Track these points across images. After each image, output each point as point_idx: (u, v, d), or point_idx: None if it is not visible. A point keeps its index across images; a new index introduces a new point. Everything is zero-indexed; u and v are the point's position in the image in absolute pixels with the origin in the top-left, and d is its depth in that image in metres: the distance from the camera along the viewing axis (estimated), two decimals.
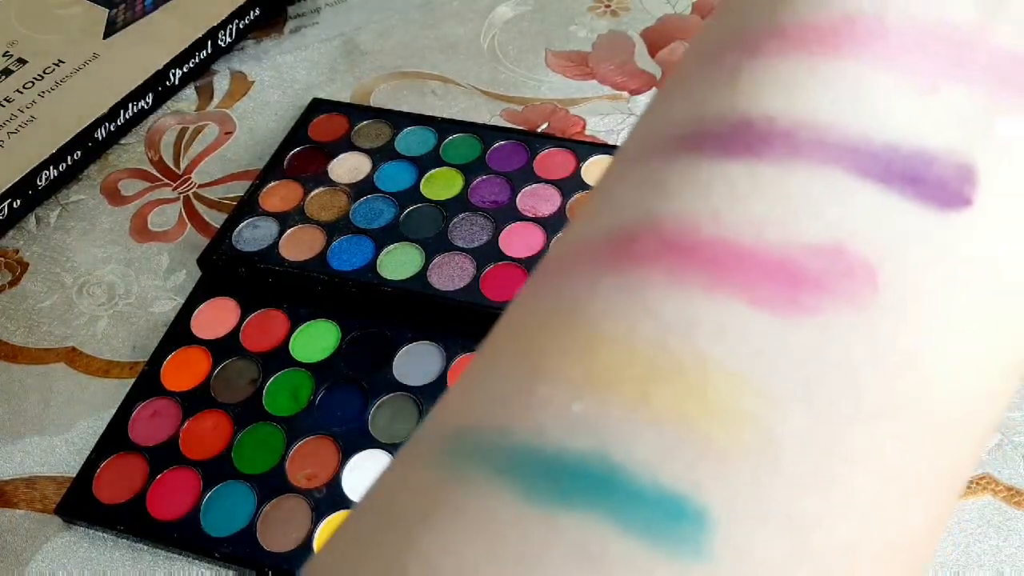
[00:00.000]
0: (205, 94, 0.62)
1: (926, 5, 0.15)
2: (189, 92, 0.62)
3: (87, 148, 0.57)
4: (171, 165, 0.57)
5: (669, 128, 0.15)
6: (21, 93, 0.57)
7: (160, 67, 0.59)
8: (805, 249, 0.13)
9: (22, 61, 0.59)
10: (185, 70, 0.61)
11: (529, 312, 0.15)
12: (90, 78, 0.59)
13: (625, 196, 0.15)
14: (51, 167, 0.55)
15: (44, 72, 0.59)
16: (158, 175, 0.57)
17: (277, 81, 0.62)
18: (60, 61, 0.59)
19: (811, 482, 0.12)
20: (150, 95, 0.59)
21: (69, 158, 0.56)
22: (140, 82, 0.58)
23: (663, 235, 0.14)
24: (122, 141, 0.59)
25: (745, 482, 0.12)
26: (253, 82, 0.62)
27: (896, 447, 0.13)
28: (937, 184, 0.14)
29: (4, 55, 0.59)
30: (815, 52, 0.15)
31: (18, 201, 0.54)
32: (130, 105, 0.58)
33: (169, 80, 0.60)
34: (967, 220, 0.13)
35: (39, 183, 0.54)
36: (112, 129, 0.58)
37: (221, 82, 0.62)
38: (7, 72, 0.58)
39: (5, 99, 0.57)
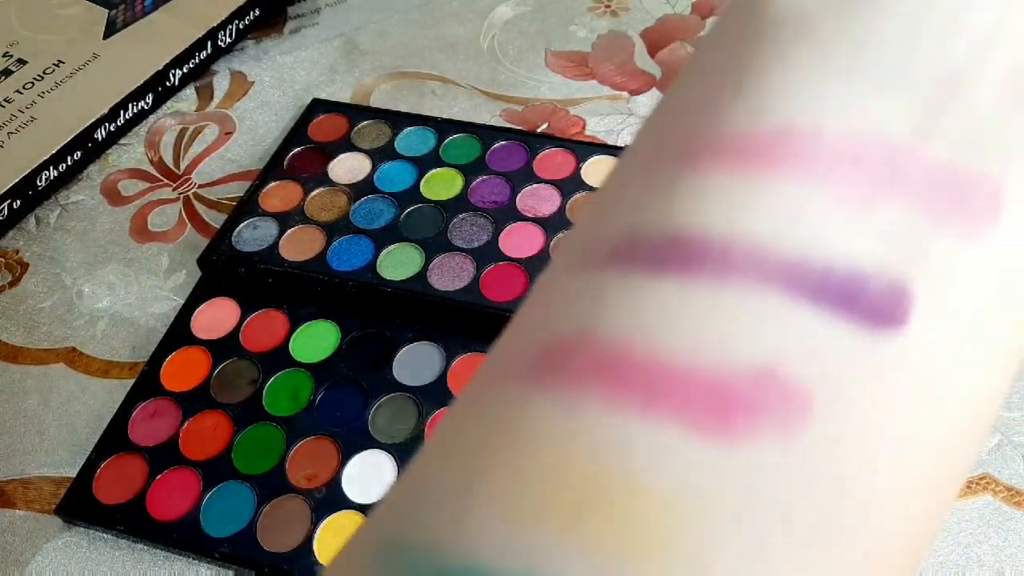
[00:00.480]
0: (205, 94, 0.62)
1: (861, 120, 0.14)
2: (189, 92, 0.62)
3: (87, 148, 0.57)
4: (171, 165, 0.57)
5: (606, 238, 0.15)
6: (21, 93, 0.57)
7: (160, 67, 0.59)
8: (739, 372, 0.13)
9: (22, 61, 0.59)
10: (185, 70, 0.61)
11: (467, 425, 0.15)
12: (90, 78, 0.59)
13: (561, 307, 0.15)
14: (51, 167, 0.55)
15: (44, 72, 0.59)
16: (158, 175, 0.57)
17: (277, 81, 0.62)
18: (60, 62, 0.59)
19: None
20: (150, 95, 0.59)
21: (69, 158, 0.56)
22: (140, 82, 0.58)
23: (598, 354, 0.14)
24: (122, 142, 0.59)
25: None
26: (253, 82, 0.62)
27: (831, 573, 0.13)
28: (871, 304, 0.13)
29: (4, 56, 0.60)
30: (751, 167, 0.14)
31: (18, 202, 0.54)
32: (130, 105, 0.58)
33: (169, 80, 0.60)
34: (902, 341, 0.13)
35: (39, 183, 0.55)
36: (112, 129, 0.58)
37: (221, 82, 0.62)
38: (7, 72, 0.58)
39: (5, 100, 0.57)
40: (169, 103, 0.61)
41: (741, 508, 0.12)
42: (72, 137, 0.55)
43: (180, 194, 0.56)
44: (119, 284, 0.51)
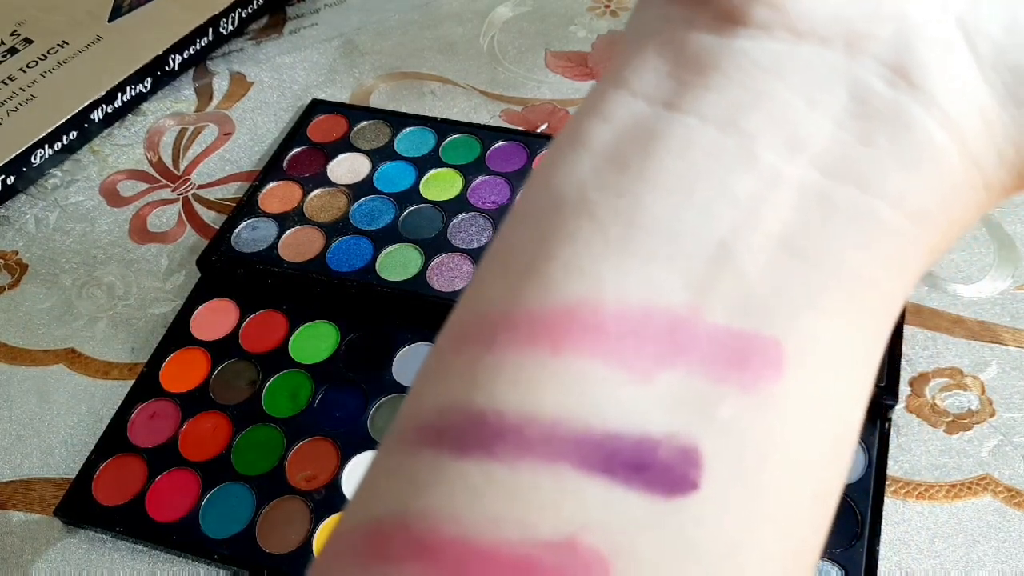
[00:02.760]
0: (204, 95, 0.62)
1: (639, 290, 0.15)
2: (189, 93, 0.62)
3: (83, 129, 0.58)
4: (170, 166, 0.57)
5: (417, 417, 0.16)
6: (24, 72, 0.58)
7: (159, 52, 0.60)
8: (540, 545, 0.14)
9: (28, 41, 0.60)
10: (185, 56, 0.62)
11: None
12: (92, 60, 0.59)
13: (380, 487, 0.16)
14: (46, 145, 0.56)
15: (48, 52, 0.60)
16: (157, 176, 0.57)
17: (276, 82, 0.62)
18: (64, 42, 0.60)
19: None
20: (148, 80, 0.60)
21: (65, 137, 0.57)
22: (138, 66, 0.59)
23: (410, 535, 0.14)
24: (122, 142, 0.59)
25: None
26: (252, 83, 0.62)
27: None
28: (662, 471, 0.14)
29: (12, 34, 0.61)
30: (541, 345, 0.15)
31: (12, 178, 0.55)
32: (128, 88, 0.59)
33: (168, 65, 0.61)
34: (695, 504, 0.14)
35: (33, 161, 0.56)
36: (109, 111, 0.59)
37: (220, 83, 0.62)
38: (13, 51, 0.59)
39: (9, 78, 0.58)
40: (169, 103, 0.61)
41: None
42: (68, 117, 0.56)
43: (179, 195, 0.56)
44: (118, 285, 0.51)
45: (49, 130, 0.56)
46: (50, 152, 0.56)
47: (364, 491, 0.16)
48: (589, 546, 0.13)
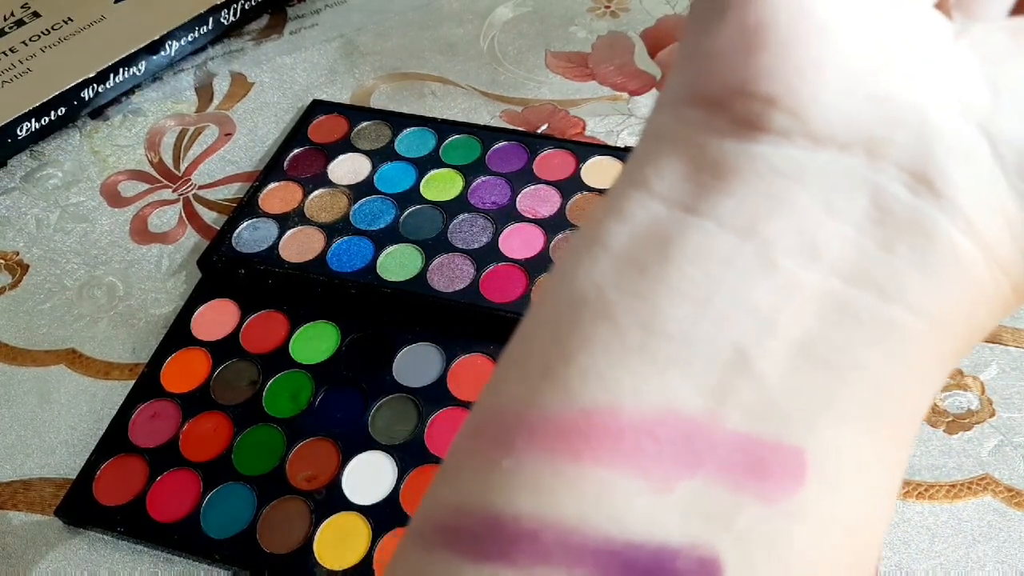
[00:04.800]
0: (205, 96, 0.62)
1: (657, 397, 0.15)
2: (189, 94, 0.62)
3: (72, 106, 0.58)
4: (171, 167, 0.57)
5: (435, 515, 0.16)
6: (26, 45, 0.59)
7: (156, 37, 0.61)
8: None
9: (36, 14, 0.61)
10: (183, 43, 0.62)
11: None
12: (92, 39, 0.60)
13: None
14: (32, 119, 0.57)
15: (52, 27, 0.61)
16: (158, 177, 0.57)
17: (277, 82, 0.62)
18: (69, 19, 0.61)
19: None
20: (142, 63, 0.61)
21: (53, 113, 0.58)
22: (133, 49, 0.60)
23: None
24: (122, 143, 0.59)
25: None
26: (253, 84, 0.62)
27: None
28: None
29: (22, 6, 0.62)
30: (558, 451, 0.15)
31: None
32: (121, 70, 0.60)
33: (164, 50, 0.62)
34: None
35: (19, 133, 0.57)
36: (100, 91, 0.59)
37: (221, 84, 0.62)
38: (20, 23, 0.60)
39: (10, 49, 0.59)
40: (169, 104, 0.61)
41: None
42: (56, 93, 0.57)
43: (180, 195, 0.56)
44: (119, 285, 0.51)
45: (36, 104, 0.57)
46: (36, 126, 0.57)
47: None
48: None
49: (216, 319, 0.47)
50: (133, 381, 0.45)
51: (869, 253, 0.16)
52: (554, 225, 0.49)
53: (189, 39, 0.63)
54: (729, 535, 0.14)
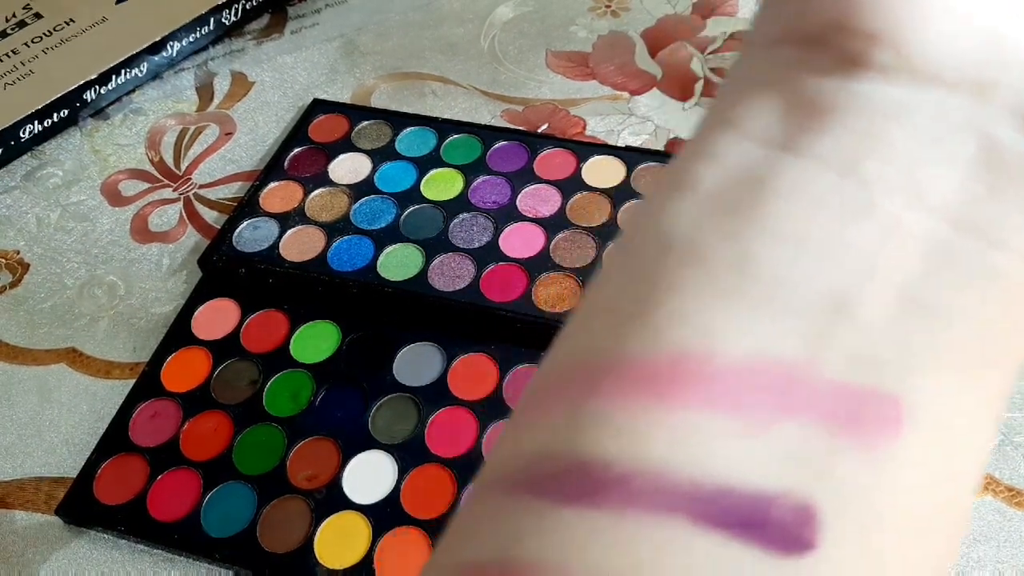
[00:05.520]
0: (205, 95, 0.62)
1: (752, 342, 0.14)
2: (190, 93, 0.62)
3: (74, 108, 0.59)
4: (172, 166, 0.57)
5: (516, 462, 0.15)
6: (28, 47, 0.60)
7: (158, 39, 0.61)
8: None
9: (38, 16, 0.61)
10: (184, 44, 0.62)
11: None
12: (93, 40, 0.60)
13: (478, 532, 0.15)
14: (35, 121, 0.57)
15: (54, 29, 0.61)
16: (159, 176, 0.57)
17: (278, 82, 0.62)
18: (71, 20, 0.61)
19: None
20: (144, 65, 0.61)
21: (55, 115, 0.58)
22: (135, 51, 0.60)
23: None
24: (123, 142, 0.59)
25: None
26: (254, 83, 0.62)
27: None
28: (777, 529, 0.13)
29: (24, 7, 0.62)
30: (648, 394, 0.14)
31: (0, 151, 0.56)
32: (123, 71, 0.60)
33: (166, 51, 0.62)
34: (810, 566, 0.13)
35: (22, 136, 0.57)
36: (102, 92, 0.60)
37: (222, 83, 0.62)
38: (22, 24, 0.60)
39: (12, 51, 0.59)
40: (170, 103, 0.61)
41: None
42: (58, 96, 0.57)
43: (181, 194, 0.56)
44: (120, 285, 0.51)
45: (39, 107, 0.57)
46: (39, 128, 0.57)
47: (460, 534, 0.16)
48: None
49: (216, 318, 0.47)
50: (134, 380, 0.45)
51: (974, 197, 0.15)
52: (555, 224, 0.49)
53: (190, 39, 0.63)
54: (824, 482, 0.14)
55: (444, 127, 0.55)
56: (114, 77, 0.60)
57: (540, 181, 0.51)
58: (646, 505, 0.14)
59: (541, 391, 0.16)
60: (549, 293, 0.46)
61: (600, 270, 0.17)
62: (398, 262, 0.48)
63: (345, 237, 0.49)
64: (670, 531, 0.13)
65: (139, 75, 0.61)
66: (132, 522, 0.40)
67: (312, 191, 0.52)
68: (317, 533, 0.39)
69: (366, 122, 0.56)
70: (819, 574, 0.13)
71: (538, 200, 0.50)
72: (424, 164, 0.53)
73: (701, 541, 0.13)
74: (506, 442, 0.16)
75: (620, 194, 0.50)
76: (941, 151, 0.15)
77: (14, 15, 0.61)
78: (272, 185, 0.53)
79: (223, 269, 0.49)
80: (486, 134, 0.54)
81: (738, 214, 0.15)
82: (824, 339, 0.14)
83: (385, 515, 0.39)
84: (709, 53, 0.60)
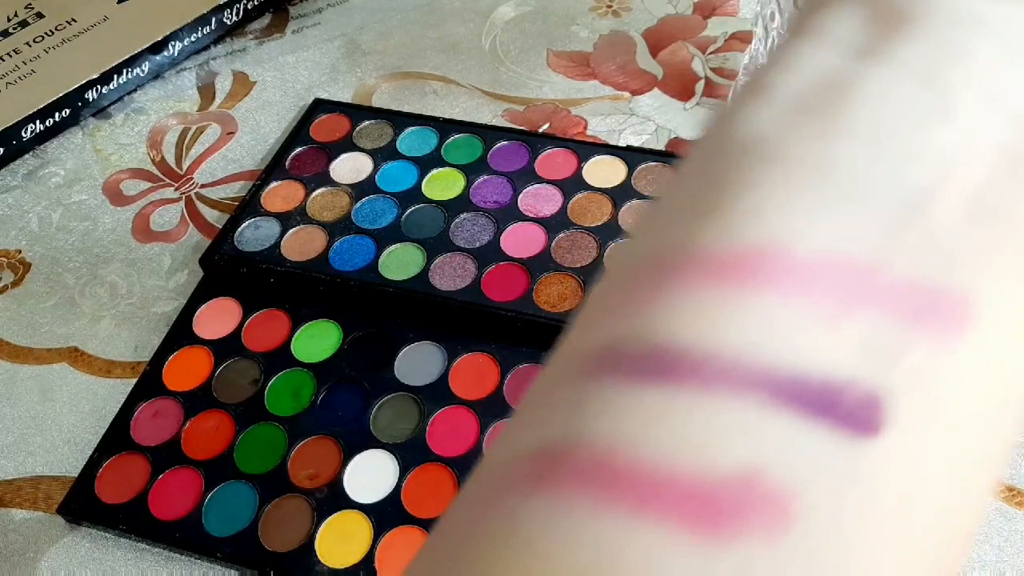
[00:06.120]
0: (207, 95, 0.62)
1: (830, 238, 0.15)
2: (192, 93, 0.62)
3: (76, 107, 0.59)
4: (173, 165, 0.57)
5: (589, 347, 0.16)
6: (29, 46, 0.60)
7: (159, 38, 0.61)
8: (720, 477, 0.13)
9: (40, 15, 0.61)
10: (185, 43, 0.63)
11: (460, 530, 0.15)
12: (95, 40, 0.60)
13: (548, 415, 0.15)
14: (36, 121, 0.57)
15: (56, 28, 0.61)
16: (160, 175, 0.57)
17: (279, 81, 0.62)
18: (73, 20, 0.61)
19: None
20: (146, 64, 0.61)
21: (57, 115, 0.58)
22: (137, 50, 0.60)
23: (583, 460, 0.14)
24: (124, 141, 0.59)
25: None
26: (255, 82, 0.62)
27: None
28: (847, 413, 0.14)
29: (26, 7, 0.62)
30: (726, 282, 0.15)
31: (1, 150, 0.56)
32: (124, 71, 0.60)
33: (168, 51, 0.62)
34: (878, 449, 0.14)
35: (23, 135, 0.57)
36: (104, 91, 0.60)
37: (223, 83, 0.62)
38: (24, 24, 0.60)
39: (14, 50, 0.59)
40: (172, 103, 0.61)
41: None
42: (60, 95, 0.57)
43: (182, 194, 0.56)
44: (121, 284, 0.51)
45: (41, 106, 0.57)
46: (41, 128, 0.57)
47: (527, 419, 0.16)
48: (769, 481, 0.13)
49: (218, 317, 0.47)
50: (135, 379, 0.46)
51: None
52: (556, 224, 0.49)
53: (192, 39, 0.63)
54: (894, 373, 0.14)
55: (445, 127, 0.55)
56: (116, 76, 0.60)
57: (541, 181, 0.51)
58: (722, 385, 0.14)
59: (616, 283, 0.17)
60: (550, 293, 0.46)
61: (675, 174, 0.18)
62: (399, 262, 0.48)
63: (346, 237, 0.49)
64: (745, 410, 0.14)
65: (141, 75, 0.61)
66: (133, 521, 0.40)
67: (313, 191, 0.52)
68: (318, 532, 0.39)
69: (367, 122, 0.56)
70: (885, 456, 0.14)
71: (539, 200, 0.50)
72: (425, 164, 0.53)
73: (774, 420, 0.14)
74: (578, 331, 0.17)
75: (621, 194, 0.50)
76: (1020, 60, 0.16)
77: (16, 14, 0.61)
78: (273, 185, 0.53)
79: (225, 268, 0.49)
80: (487, 134, 0.54)
81: (818, 117, 0.16)
82: (898, 237, 0.15)
83: (386, 514, 0.39)
84: (710, 53, 0.60)
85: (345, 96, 0.60)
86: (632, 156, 0.52)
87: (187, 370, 0.45)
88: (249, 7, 0.65)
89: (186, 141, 0.59)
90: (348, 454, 0.42)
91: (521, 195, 0.50)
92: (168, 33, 0.61)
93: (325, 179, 0.53)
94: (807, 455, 0.14)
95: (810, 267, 0.15)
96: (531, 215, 0.50)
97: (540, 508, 0.14)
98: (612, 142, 0.55)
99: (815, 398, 0.14)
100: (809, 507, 0.13)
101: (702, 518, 0.13)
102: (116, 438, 0.43)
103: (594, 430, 0.14)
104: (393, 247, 0.48)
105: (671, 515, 0.13)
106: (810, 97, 0.16)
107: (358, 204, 0.51)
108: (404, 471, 0.41)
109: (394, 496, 0.40)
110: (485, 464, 0.16)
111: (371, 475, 0.41)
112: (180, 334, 0.47)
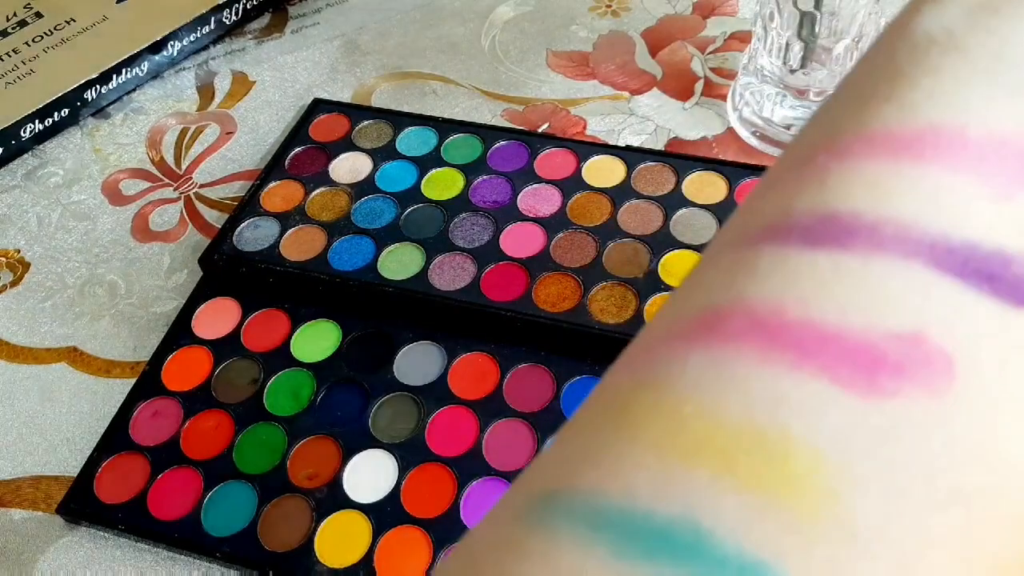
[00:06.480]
0: (206, 94, 0.62)
1: (1004, 120, 0.15)
2: (191, 92, 0.62)
3: (75, 107, 0.59)
4: (172, 165, 0.57)
5: (760, 219, 0.16)
6: (28, 46, 0.60)
7: (158, 38, 0.61)
8: (886, 335, 0.14)
9: (39, 15, 0.61)
10: (185, 43, 0.62)
11: (622, 383, 0.16)
12: (94, 40, 0.60)
13: (716, 279, 0.16)
14: (36, 120, 0.57)
15: (54, 28, 0.61)
16: (159, 175, 0.57)
17: (278, 81, 0.62)
18: (72, 19, 0.61)
19: (886, 563, 0.13)
20: (145, 64, 0.61)
21: (56, 114, 0.58)
22: (136, 50, 0.60)
23: (752, 316, 0.15)
24: (123, 141, 0.59)
25: (825, 558, 0.13)
26: (254, 82, 0.62)
27: (972, 534, 0.13)
28: (1013, 283, 0.14)
29: (25, 7, 0.62)
30: (901, 157, 0.15)
31: (0, 150, 0.57)
32: (124, 71, 0.60)
33: (167, 50, 0.62)
34: None
35: (23, 135, 0.57)
36: (103, 91, 0.60)
37: (222, 82, 0.62)
38: (23, 23, 0.60)
39: (13, 50, 0.59)
40: (171, 103, 0.61)
41: (887, 461, 0.13)
42: (59, 95, 0.57)
43: (181, 194, 0.56)
44: (120, 284, 0.51)
45: (40, 106, 0.57)
46: (40, 127, 0.57)
47: (693, 286, 0.16)
48: (934, 342, 0.14)
49: (217, 317, 0.47)
50: (134, 379, 0.46)
51: None
52: (555, 224, 0.49)
53: (191, 39, 0.63)
54: None
55: (445, 127, 0.55)
56: (115, 76, 0.60)
57: (540, 181, 0.51)
58: (893, 250, 0.14)
59: (784, 162, 0.17)
60: (549, 292, 0.46)
61: (854, 68, 0.18)
62: (398, 261, 0.48)
63: (345, 236, 0.49)
64: (914, 274, 0.14)
65: (140, 74, 0.61)
66: (133, 521, 0.40)
67: (313, 190, 0.52)
68: (317, 532, 0.39)
69: (367, 121, 0.56)
70: None
71: (539, 200, 0.50)
72: (424, 163, 0.53)
73: (942, 286, 0.14)
74: (746, 207, 0.17)
75: (620, 194, 0.50)
76: None
77: (15, 14, 0.61)
78: (273, 184, 0.53)
79: (224, 268, 0.49)
80: (486, 134, 0.54)
81: (999, 13, 0.17)
82: None
83: (386, 514, 0.39)
84: (709, 53, 0.60)
85: (344, 96, 0.60)
86: (631, 156, 0.52)
87: (186, 370, 0.45)
88: (248, 7, 0.65)
89: (185, 141, 0.59)
90: (347, 454, 0.42)
91: (520, 195, 0.51)
92: (167, 33, 0.61)
93: (324, 179, 0.53)
94: (973, 321, 0.14)
95: (986, 145, 0.15)
96: (530, 215, 0.50)
97: (704, 359, 0.14)
98: (611, 142, 0.55)
99: (983, 267, 0.14)
100: (972, 370, 0.13)
101: (866, 371, 0.13)
102: (115, 438, 0.43)
103: (763, 289, 0.15)
104: (392, 247, 0.48)
105: (835, 368, 0.14)
106: None
107: (357, 204, 0.51)
108: (403, 471, 0.41)
109: (393, 496, 0.40)
110: (649, 327, 0.16)
111: (370, 475, 0.41)
112: (179, 334, 0.47)
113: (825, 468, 0.13)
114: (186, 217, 0.54)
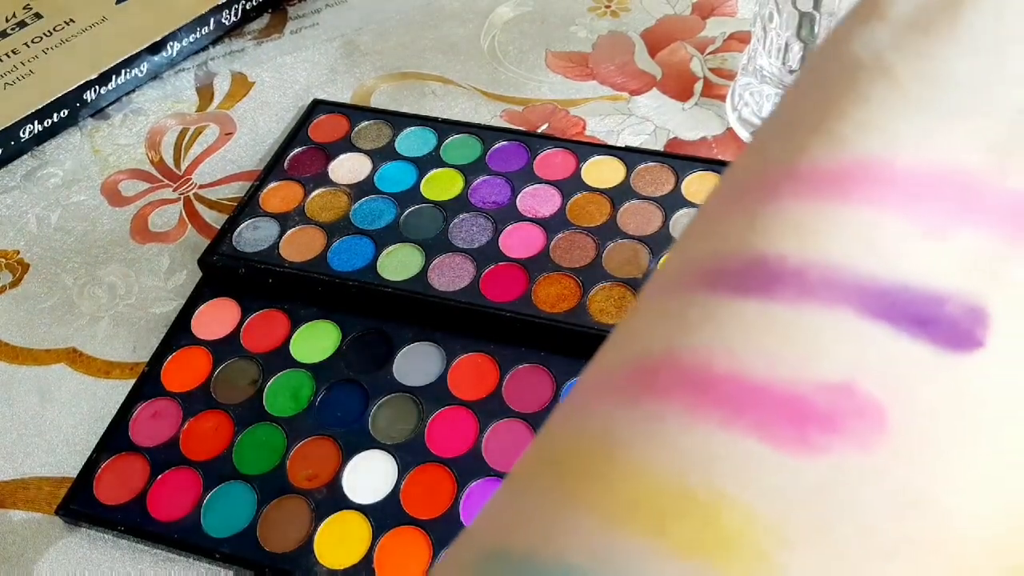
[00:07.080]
0: (206, 95, 0.62)
1: (936, 151, 0.15)
2: (190, 93, 0.62)
3: (74, 108, 0.59)
4: (172, 166, 0.57)
5: (691, 263, 0.16)
6: (28, 47, 0.60)
7: (158, 39, 0.61)
8: (815, 386, 0.13)
9: (38, 16, 0.61)
10: (184, 44, 0.62)
11: (557, 436, 0.16)
12: (94, 40, 0.60)
13: (648, 328, 0.16)
14: (35, 122, 0.57)
15: (54, 29, 0.61)
16: (159, 176, 0.57)
17: (277, 82, 0.62)
18: (71, 20, 0.61)
19: None
20: (144, 65, 0.61)
21: (55, 115, 0.58)
22: (135, 50, 0.60)
23: (681, 369, 0.14)
24: (123, 142, 0.59)
25: None
26: (254, 83, 0.62)
27: None
28: (948, 325, 0.14)
29: (24, 8, 0.62)
30: (827, 195, 0.15)
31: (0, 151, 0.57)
32: (123, 71, 0.60)
33: (166, 51, 0.62)
34: (978, 362, 0.13)
35: (22, 136, 0.57)
36: (102, 92, 0.60)
37: (222, 83, 0.62)
38: (22, 24, 0.60)
39: (12, 51, 0.59)
40: (170, 104, 0.61)
41: (820, 518, 0.13)
42: (58, 96, 0.58)
43: (181, 194, 0.56)
44: (120, 284, 0.51)
45: (39, 107, 0.57)
46: (39, 128, 0.57)
47: (626, 333, 0.16)
48: (866, 391, 0.13)
49: (217, 318, 0.47)
50: (134, 380, 0.46)
51: None
52: (554, 225, 0.49)
53: (190, 40, 0.63)
54: (998, 286, 0.14)
55: (444, 127, 0.55)
56: (114, 77, 0.60)
57: (540, 181, 0.51)
58: (819, 296, 0.14)
59: (715, 201, 0.17)
60: (549, 293, 0.46)
61: (786, 94, 0.18)
62: (398, 262, 0.48)
63: (345, 237, 0.49)
64: (842, 321, 0.14)
65: (139, 75, 0.61)
66: (132, 522, 0.40)
67: (312, 191, 0.52)
68: (317, 533, 0.39)
69: (366, 122, 0.56)
70: (985, 371, 0.13)
71: (538, 200, 0.50)
72: (424, 164, 0.53)
73: (871, 331, 0.14)
74: (679, 249, 0.17)
75: (620, 194, 0.50)
76: None
77: (14, 15, 0.61)
78: (272, 185, 0.53)
79: (223, 269, 0.49)
80: (486, 134, 0.54)
81: (931, 33, 0.16)
82: (1010, 149, 0.15)
83: (385, 515, 0.39)
84: (709, 53, 0.60)
85: (344, 96, 0.60)
86: (631, 156, 0.52)
87: (186, 371, 0.45)
88: (247, 8, 0.65)
89: (184, 142, 0.59)
90: (347, 454, 0.41)
91: (520, 195, 0.50)
92: (166, 34, 0.61)
93: (324, 179, 0.53)
94: (906, 367, 0.13)
95: (918, 179, 0.15)
96: (530, 215, 0.50)
97: (635, 415, 0.14)
98: (611, 142, 0.55)
99: (915, 310, 0.14)
100: (905, 419, 0.13)
101: (796, 427, 0.13)
102: (115, 439, 0.43)
103: (692, 341, 0.14)
104: (392, 247, 0.48)
105: (766, 424, 0.13)
106: (921, 16, 0.16)
107: (357, 204, 0.51)
108: (403, 472, 0.41)
109: (393, 496, 0.40)
110: (585, 377, 0.16)
111: (370, 476, 0.41)
112: (179, 335, 0.47)
113: (757, 529, 0.13)
114: (185, 218, 0.54)
